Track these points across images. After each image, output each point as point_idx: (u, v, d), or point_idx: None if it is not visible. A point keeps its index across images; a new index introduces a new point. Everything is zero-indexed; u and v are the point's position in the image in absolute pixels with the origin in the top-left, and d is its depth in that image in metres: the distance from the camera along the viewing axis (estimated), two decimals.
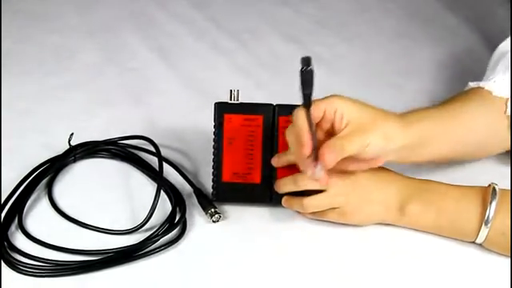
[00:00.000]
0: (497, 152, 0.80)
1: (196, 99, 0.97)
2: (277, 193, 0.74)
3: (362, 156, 0.67)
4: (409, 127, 0.69)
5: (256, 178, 0.75)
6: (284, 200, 0.73)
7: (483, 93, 0.77)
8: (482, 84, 0.78)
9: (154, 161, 0.83)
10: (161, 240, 0.71)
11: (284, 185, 0.72)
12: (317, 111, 0.66)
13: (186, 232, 0.73)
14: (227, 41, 1.12)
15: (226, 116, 0.74)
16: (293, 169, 0.71)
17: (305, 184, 0.70)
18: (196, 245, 0.72)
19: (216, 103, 0.75)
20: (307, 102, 0.63)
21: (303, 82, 0.62)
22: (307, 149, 0.65)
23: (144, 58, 1.07)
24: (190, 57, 1.08)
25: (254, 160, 0.74)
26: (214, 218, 0.74)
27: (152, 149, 0.82)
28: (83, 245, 0.71)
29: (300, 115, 0.65)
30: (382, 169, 0.73)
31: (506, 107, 0.76)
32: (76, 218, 0.75)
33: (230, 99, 0.75)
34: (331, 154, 0.64)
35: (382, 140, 0.67)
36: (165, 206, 0.77)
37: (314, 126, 0.64)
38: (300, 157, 0.67)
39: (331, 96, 0.68)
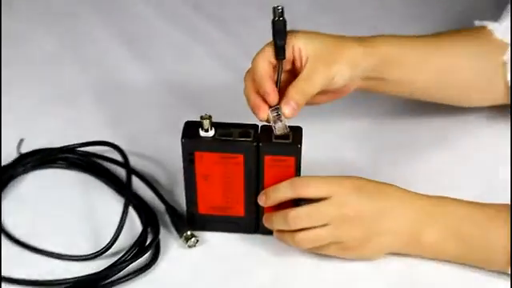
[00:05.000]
0: (487, 103, 0.82)
1: (172, 97, 0.92)
2: None
3: (330, 88, 0.71)
4: (371, 48, 0.73)
5: (239, 211, 0.72)
6: (276, 233, 0.71)
7: (485, 32, 0.79)
8: (485, 23, 0.80)
9: (120, 172, 0.80)
10: (129, 267, 0.70)
11: (275, 222, 0.70)
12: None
13: (159, 258, 0.71)
14: (208, 27, 1.06)
15: (198, 154, 0.68)
16: (282, 204, 0.70)
17: (295, 223, 0.67)
18: (170, 273, 0.71)
19: (183, 139, 0.68)
20: (281, 53, 0.67)
21: (276, 32, 0.67)
22: (274, 97, 0.67)
23: (109, 47, 1.02)
24: (165, 46, 1.03)
25: (236, 195, 0.71)
26: (189, 243, 0.72)
27: (119, 157, 0.79)
28: (35, 274, 0.69)
29: (259, 63, 0.68)
30: (386, 191, 0.69)
31: (505, 53, 0.78)
32: (26, 241, 0.73)
33: (202, 129, 0.67)
34: (294, 101, 0.67)
35: (349, 68, 0.70)
36: (134, 226, 0.74)
37: (280, 76, 0.68)
38: (256, 102, 0.68)
39: (289, 34, 0.69)
